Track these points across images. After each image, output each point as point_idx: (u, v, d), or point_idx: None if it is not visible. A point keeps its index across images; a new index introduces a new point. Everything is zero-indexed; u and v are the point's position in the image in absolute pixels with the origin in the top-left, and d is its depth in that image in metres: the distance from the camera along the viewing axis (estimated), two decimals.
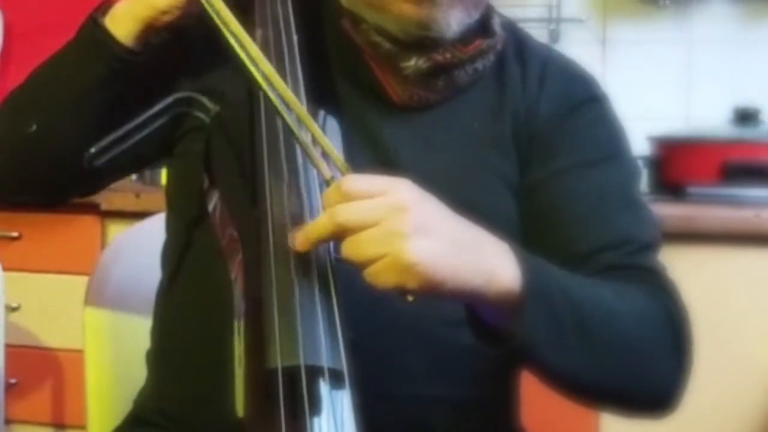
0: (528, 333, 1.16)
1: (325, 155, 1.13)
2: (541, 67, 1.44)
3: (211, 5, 1.19)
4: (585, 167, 1.39)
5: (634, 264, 1.33)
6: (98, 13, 1.36)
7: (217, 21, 1.18)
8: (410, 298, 1.09)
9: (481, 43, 1.40)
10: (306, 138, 1.13)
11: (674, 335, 1.29)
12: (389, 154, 1.35)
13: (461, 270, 1.10)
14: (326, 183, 1.11)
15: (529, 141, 1.40)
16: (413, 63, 1.35)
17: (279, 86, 1.15)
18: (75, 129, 1.33)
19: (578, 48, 2.87)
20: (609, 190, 1.39)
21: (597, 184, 1.39)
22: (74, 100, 1.35)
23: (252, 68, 1.15)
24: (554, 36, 3.00)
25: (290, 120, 1.13)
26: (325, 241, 1.10)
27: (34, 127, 1.35)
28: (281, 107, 1.14)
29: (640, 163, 2.69)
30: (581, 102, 1.43)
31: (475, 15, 1.38)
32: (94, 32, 1.35)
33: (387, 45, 1.36)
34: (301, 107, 1.15)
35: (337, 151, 1.14)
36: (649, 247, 1.37)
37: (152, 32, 1.35)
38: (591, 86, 1.46)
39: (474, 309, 1.19)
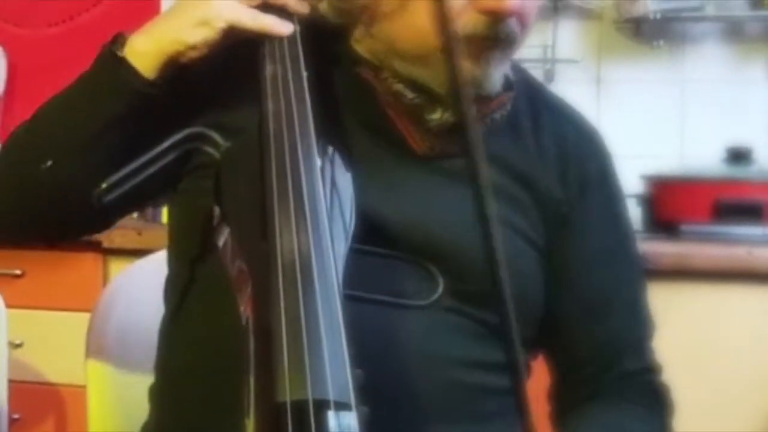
0: None
1: None
2: (555, 125, 1.45)
3: None
4: (608, 257, 1.45)
5: (651, 389, 1.44)
6: (116, 45, 1.33)
7: None
8: None
9: (505, 98, 1.40)
10: None
11: None
12: (413, 203, 1.35)
13: None
14: None
15: (545, 203, 1.41)
16: (439, 116, 1.34)
17: None
18: (90, 165, 1.30)
19: (573, 88, 2.88)
20: (631, 293, 1.46)
21: (622, 282, 1.46)
22: (92, 136, 1.33)
23: None
24: (549, 76, 3.01)
25: None
26: None
27: (48, 164, 1.32)
28: None
29: (633, 201, 2.75)
30: (599, 179, 1.46)
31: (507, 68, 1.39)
32: (114, 66, 1.32)
33: (410, 95, 1.35)
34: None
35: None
36: (657, 364, 1.46)
37: (174, 67, 1.32)
38: (605, 153, 1.48)
39: None
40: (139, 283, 1.72)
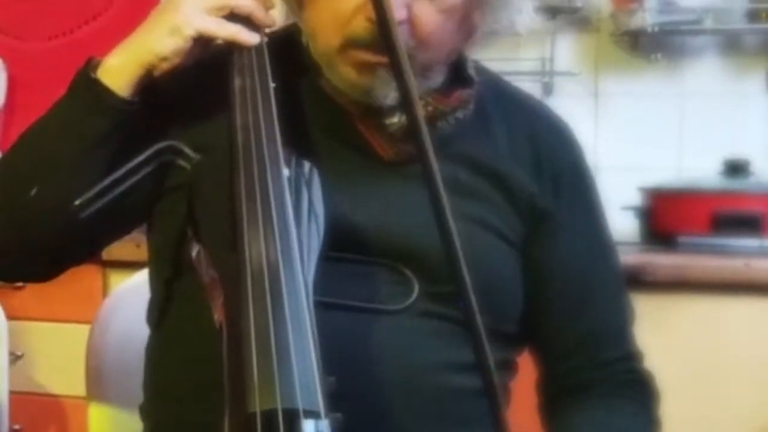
0: None
1: None
2: (528, 124, 1.46)
3: None
4: (588, 254, 1.46)
5: (636, 378, 1.45)
6: (89, 68, 1.35)
7: None
8: None
9: (461, 94, 1.41)
10: None
11: None
12: (385, 208, 1.36)
13: None
14: None
15: (520, 199, 1.42)
16: (397, 120, 1.35)
17: None
18: (73, 189, 1.29)
19: (571, 101, 2.88)
20: (604, 286, 1.47)
21: (596, 273, 1.46)
22: (77, 159, 1.34)
23: None
24: (548, 89, 2.99)
25: None
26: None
27: (34, 192, 1.33)
28: None
29: (631, 213, 2.75)
30: (573, 171, 1.47)
31: (425, 82, 1.36)
32: (90, 88, 1.34)
33: (369, 102, 1.36)
34: None
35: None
36: (640, 352, 1.47)
37: (147, 81, 1.34)
38: (576, 145, 1.49)
39: None
40: (139, 295, 1.67)
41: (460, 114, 1.41)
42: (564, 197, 1.45)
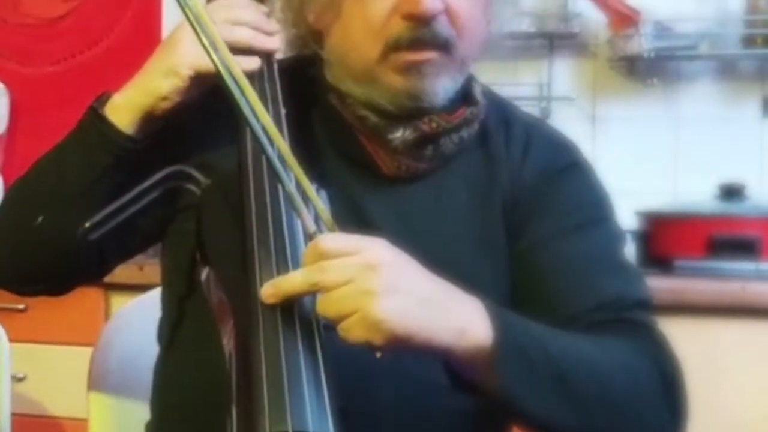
0: (505, 386, 1.19)
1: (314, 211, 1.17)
2: (524, 135, 1.45)
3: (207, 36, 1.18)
4: (571, 233, 1.41)
5: (622, 319, 1.34)
6: (98, 103, 1.37)
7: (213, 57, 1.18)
8: (378, 355, 1.12)
9: (465, 111, 1.41)
10: (294, 190, 1.16)
11: (663, 386, 1.30)
12: (372, 226, 1.35)
13: (430, 327, 1.14)
14: (309, 237, 1.14)
15: (514, 208, 1.41)
16: (400, 134, 1.36)
17: (277, 141, 1.17)
18: (80, 218, 1.31)
19: (568, 125, 2.80)
20: (595, 255, 1.41)
21: (583, 249, 1.40)
22: (79, 191, 1.36)
23: (252, 119, 1.16)
24: (545, 113, 3.01)
25: (282, 172, 1.16)
26: (300, 296, 1.13)
27: (40, 220, 1.36)
28: (276, 159, 1.16)
29: (628, 235, 2.75)
30: (564, 168, 1.45)
31: (460, 80, 1.39)
32: (95, 124, 1.36)
33: (374, 118, 1.37)
34: (297, 165, 1.17)
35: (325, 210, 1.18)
36: (638, 304, 1.38)
37: (152, 119, 1.35)
38: (573, 153, 1.48)
39: (450, 364, 1.21)
40: (141, 318, 1.72)
41: (464, 133, 1.41)
42: (555, 192, 1.42)
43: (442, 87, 1.36)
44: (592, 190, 1.46)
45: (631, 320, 1.35)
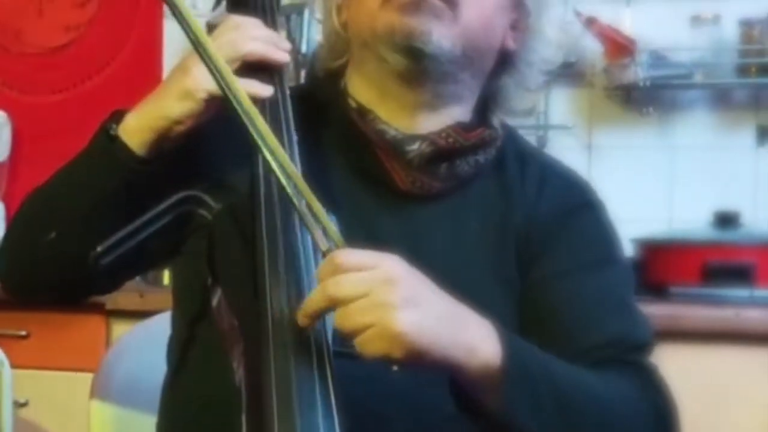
0: (507, 406, 1.20)
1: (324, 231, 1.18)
2: (539, 171, 1.47)
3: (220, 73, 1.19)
4: (582, 271, 1.42)
5: (625, 359, 1.36)
6: (110, 123, 1.36)
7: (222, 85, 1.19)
8: (395, 368, 1.13)
9: (482, 131, 1.42)
10: (304, 208, 1.17)
11: (657, 422, 1.32)
12: (383, 244, 1.32)
13: (444, 342, 1.14)
14: (322, 255, 1.15)
15: (527, 243, 1.42)
16: (416, 147, 1.38)
17: (287, 166, 1.18)
18: (91, 236, 1.31)
19: (565, 154, 2.76)
20: (604, 294, 1.42)
21: (593, 288, 1.41)
22: (90, 210, 1.36)
23: (260, 141, 1.17)
24: (542, 142, 3.01)
25: (291, 191, 1.17)
26: (321, 312, 1.13)
27: (52, 235, 1.36)
28: (285, 179, 1.17)
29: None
30: (578, 207, 1.46)
31: (459, 46, 1.38)
32: (107, 144, 1.35)
33: (392, 131, 1.39)
34: (304, 183, 1.17)
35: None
36: (641, 347, 1.40)
37: (165, 142, 1.34)
38: (587, 192, 1.49)
39: (458, 382, 1.22)
40: (142, 344, 1.74)
41: (480, 157, 1.42)
42: (568, 230, 1.44)
43: (437, 32, 1.36)
44: (604, 229, 1.48)
45: (633, 362, 1.37)
